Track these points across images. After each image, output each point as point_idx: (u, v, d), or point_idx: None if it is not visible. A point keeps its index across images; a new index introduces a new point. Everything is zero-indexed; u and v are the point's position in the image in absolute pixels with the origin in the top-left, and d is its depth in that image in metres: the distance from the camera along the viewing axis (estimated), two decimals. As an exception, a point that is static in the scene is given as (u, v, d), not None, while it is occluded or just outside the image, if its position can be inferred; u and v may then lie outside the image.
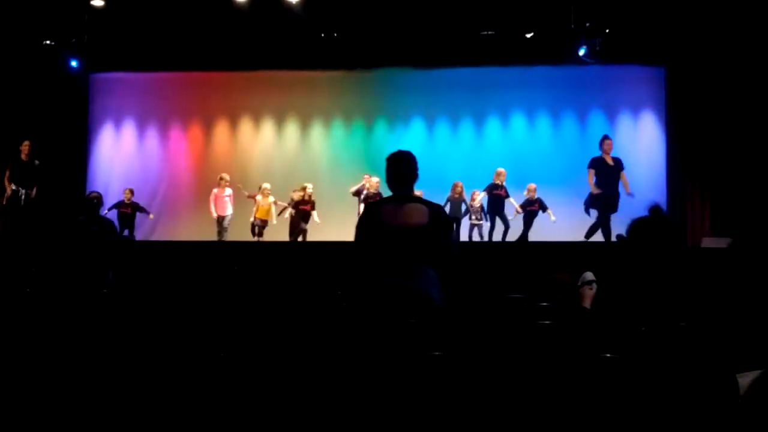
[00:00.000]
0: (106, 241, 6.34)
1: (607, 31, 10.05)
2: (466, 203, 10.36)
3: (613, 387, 1.77)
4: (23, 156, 9.09)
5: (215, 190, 10.41)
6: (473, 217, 10.36)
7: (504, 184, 10.17)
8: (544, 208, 9.97)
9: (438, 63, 11.36)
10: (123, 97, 12.03)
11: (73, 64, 10.82)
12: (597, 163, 8.90)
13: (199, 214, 10.51)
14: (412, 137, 11.85)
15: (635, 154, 10.68)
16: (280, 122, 12.11)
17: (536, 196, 10.00)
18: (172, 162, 12.03)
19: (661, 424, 1.75)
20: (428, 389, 1.96)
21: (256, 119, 12.13)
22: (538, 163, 10.89)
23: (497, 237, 10.06)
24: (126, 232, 10.05)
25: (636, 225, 2.98)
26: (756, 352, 1.96)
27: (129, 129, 12.15)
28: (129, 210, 10.21)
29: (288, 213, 10.36)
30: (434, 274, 2.99)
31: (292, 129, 12.08)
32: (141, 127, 12.15)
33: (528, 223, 9.96)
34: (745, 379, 1.73)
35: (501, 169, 10.26)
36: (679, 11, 9.68)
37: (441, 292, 3.00)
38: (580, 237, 9.36)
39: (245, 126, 12.14)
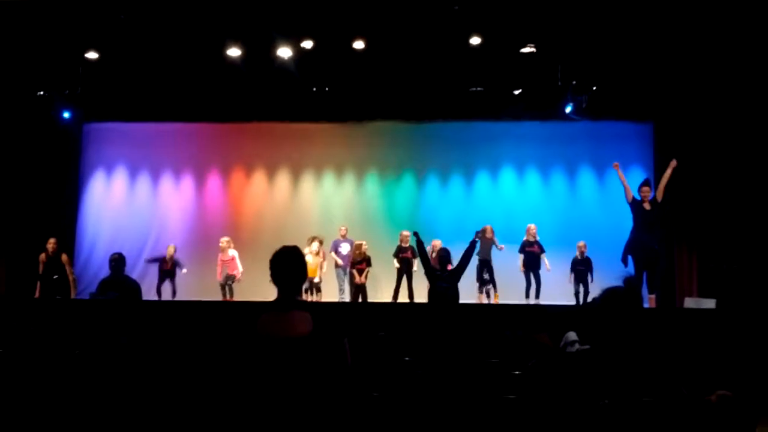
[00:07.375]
0: (124, 305, 6.09)
1: (594, 88, 10.19)
2: (496, 245, 10.07)
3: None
4: (50, 252, 9.63)
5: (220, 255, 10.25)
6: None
7: (537, 239, 9.99)
8: (591, 269, 9.69)
9: (428, 117, 11.53)
10: (115, 146, 12.12)
11: (66, 115, 10.93)
12: (635, 207, 8.36)
13: (186, 265, 10.42)
14: (403, 190, 11.94)
15: (623, 210, 10.69)
16: (271, 173, 12.16)
17: (586, 254, 9.75)
18: (162, 212, 12.01)
19: None
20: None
21: (248, 170, 12.19)
22: (527, 217, 10.85)
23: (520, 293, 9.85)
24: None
25: (609, 294, 2.94)
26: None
27: (120, 178, 12.20)
28: (169, 266, 10.17)
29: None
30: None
31: (283, 180, 12.13)
32: (132, 177, 12.20)
33: (582, 282, 9.62)
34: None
35: (531, 225, 10.11)
36: (665, 69, 9.83)
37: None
38: (568, 296, 9.29)
39: (237, 177, 12.19)
